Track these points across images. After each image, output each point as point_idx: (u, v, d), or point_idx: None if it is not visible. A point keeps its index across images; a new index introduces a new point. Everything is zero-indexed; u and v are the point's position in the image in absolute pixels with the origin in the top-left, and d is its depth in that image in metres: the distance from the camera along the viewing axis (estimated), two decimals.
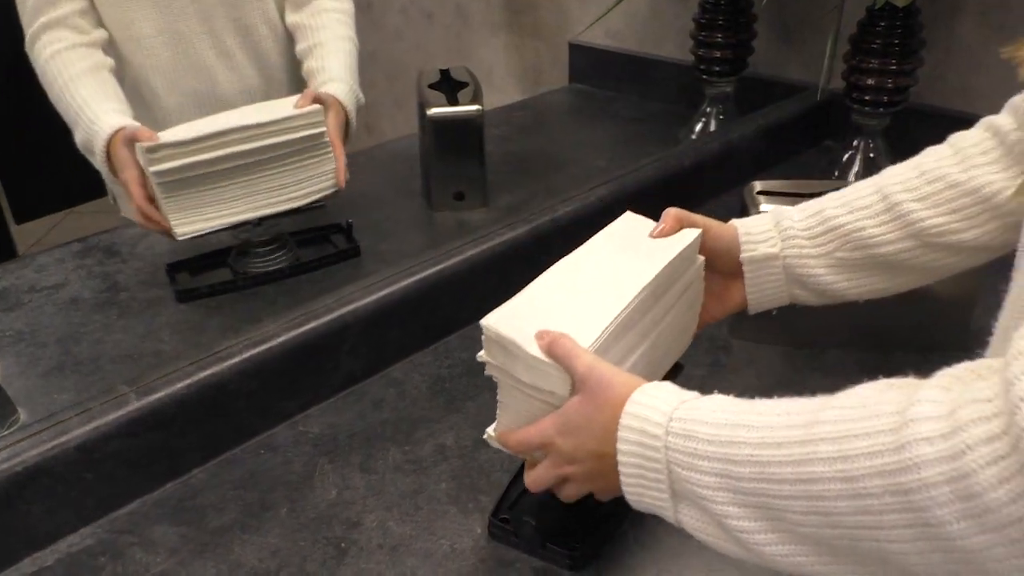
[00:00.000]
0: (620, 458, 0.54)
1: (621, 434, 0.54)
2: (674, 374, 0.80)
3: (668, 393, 0.54)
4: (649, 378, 0.58)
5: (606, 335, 0.62)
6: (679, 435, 0.51)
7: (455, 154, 1.19)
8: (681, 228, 0.73)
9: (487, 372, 0.65)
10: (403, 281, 0.95)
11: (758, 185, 0.95)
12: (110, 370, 0.85)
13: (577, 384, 0.58)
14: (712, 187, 1.31)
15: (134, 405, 0.76)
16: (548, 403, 0.62)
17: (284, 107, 1.00)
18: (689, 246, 0.71)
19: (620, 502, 0.62)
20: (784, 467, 0.45)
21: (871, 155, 1.34)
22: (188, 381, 0.79)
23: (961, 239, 0.67)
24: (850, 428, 0.43)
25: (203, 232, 0.97)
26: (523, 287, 0.68)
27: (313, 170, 1.02)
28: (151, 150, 0.92)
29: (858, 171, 1.35)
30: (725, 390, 0.90)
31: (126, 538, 0.74)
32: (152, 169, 0.92)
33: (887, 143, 1.33)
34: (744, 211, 0.94)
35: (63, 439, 0.73)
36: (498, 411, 0.66)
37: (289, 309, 0.89)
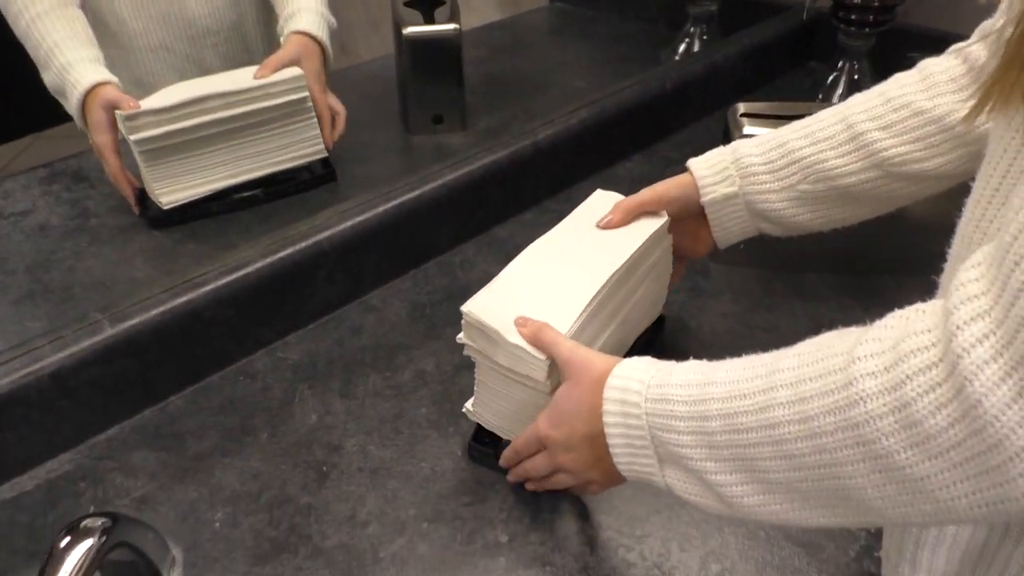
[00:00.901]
0: (607, 430, 0.55)
1: (606, 407, 0.55)
2: (657, 327, 0.81)
3: (646, 364, 0.56)
4: (619, 351, 0.59)
5: (581, 320, 0.65)
6: (656, 400, 0.52)
7: (432, 76, 1.16)
8: (631, 221, 0.74)
9: (466, 353, 0.68)
10: (380, 207, 0.93)
11: (742, 107, 0.93)
12: (82, 298, 0.84)
13: (561, 370, 0.61)
14: (695, 110, 1.29)
15: (108, 332, 0.75)
16: (525, 385, 0.65)
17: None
18: (659, 230, 0.74)
19: None
20: (749, 416, 0.46)
21: (855, 77, 1.32)
22: (162, 308, 0.78)
23: (923, 168, 0.66)
24: (805, 372, 0.44)
25: (188, 200, 0.96)
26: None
27: (297, 135, 1.01)
28: (131, 118, 0.89)
29: (842, 93, 1.33)
30: (703, 314, 0.91)
31: (105, 463, 0.74)
32: (133, 137, 0.90)
33: (872, 65, 1.31)
34: (727, 134, 0.93)
35: (36, 367, 0.72)
36: (476, 388, 0.70)
37: (264, 235, 0.88)
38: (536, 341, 0.62)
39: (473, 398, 0.71)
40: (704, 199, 0.73)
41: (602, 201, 0.76)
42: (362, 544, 0.66)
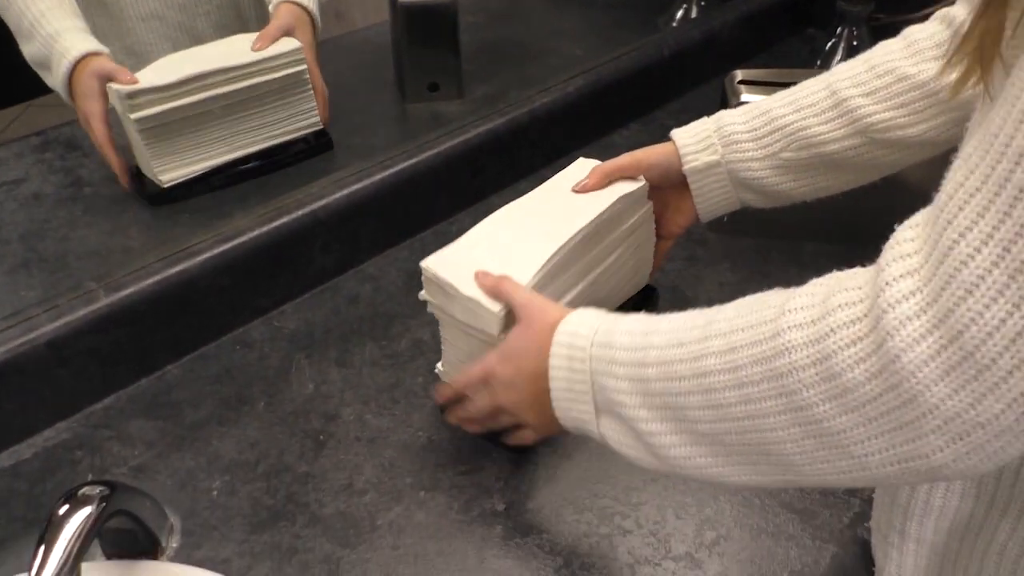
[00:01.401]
0: (552, 372, 0.55)
1: (553, 349, 0.55)
2: (646, 298, 0.81)
3: (598, 313, 0.56)
4: None
5: (541, 274, 0.65)
6: (601, 345, 0.52)
7: (428, 43, 1.15)
8: (608, 184, 0.73)
9: (429, 310, 0.69)
10: (376, 175, 0.93)
11: (739, 74, 0.92)
12: (77, 267, 0.84)
13: (517, 314, 0.61)
14: (693, 77, 1.28)
15: (103, 302, 0.75)
16: (483, 340, 0.66)
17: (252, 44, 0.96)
18: (634, 192, 0.73)
19: None
20: (684, 364, 0.47)
21: (854, 43, 1.31)
22: (157, 277, 0.78)
23: (907, 134, 0.66)
24: (738, 323, 0.45)
25: (188, 177, 0.95)
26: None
27: (294, 108, 1.00)
28: (131, 96, 0.88)
29: (840, 60, 1.31)
30: (701, 284, 0.91)
31: (103, 432, 0.74)
32: (134, 116, 0.89)
33: (871, 31, 1.30)
34: (724, 101, 0.92)
35: (32, 335, 0.72)
36: (443, 347, 0.71)
37: (260, 205, 0.87)
38: (495, 291, 0.62)
39: (442, 358, 0.72)
40: (686, 167, 0.72)
41: (582, 168, 0.76)
42: (359, 512, 0.67)
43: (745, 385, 0.43)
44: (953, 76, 0.42)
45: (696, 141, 0.72)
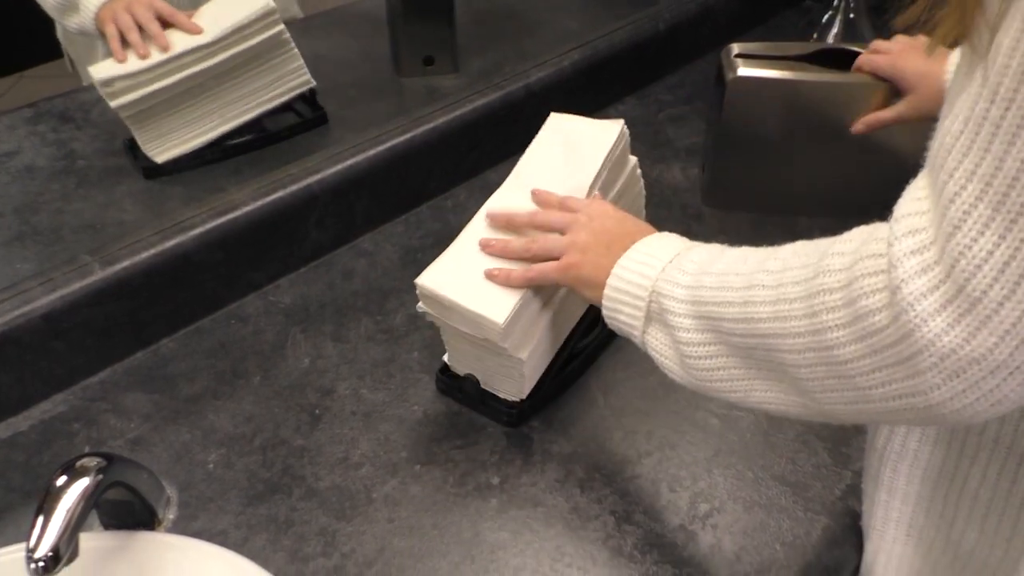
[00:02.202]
0: (615, 271, 0.58)
1: (642, 242, 0.59)
2: None
3: (683, 240, 0.60)
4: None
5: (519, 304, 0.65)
6: (673, 266, 0.56)
7: (423, 16, 1.13)
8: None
9: (428, 319, 0.69)
10: (371, 150, 0.92)
11: (735, 48, 0.92)
12: (72, 240, 0.83)
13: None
14: (688, 51, 1.28)
15: (98, 275, 0.75)
16: (487, 348, 0.67)
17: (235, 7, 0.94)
18: (613, 147, 0.72)
19: (558, 368, 0.71)
20: (738, 277, 0.50)
21: (851, 16, 1.30)
22: (152, 251, 0.78)
23: None
24: (792, 261, 0.48)
25: (183, 154, 0.94)
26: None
27: (281, 69, 0.98)
28: (107, 83, 0.87)
29: (837, 32, 1.31)
30: None
31: (99, 405, 0.74)
32: (114, 103, 0.88)
33: (867, 2, 1.29)
34: (720, 75, 0.92)
35: (27, 308, 0.72)
36: (446, 347, 0.73)
37: (254, 179, 0.87)
38: (524, 279, 0.65)
39: (447, 353, 0.74)
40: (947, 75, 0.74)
41: (558, 125, 0.75)
42: (355, 485, 0.67)
43: (781, 301, 0.46)
44: (934, 32, 0.42)
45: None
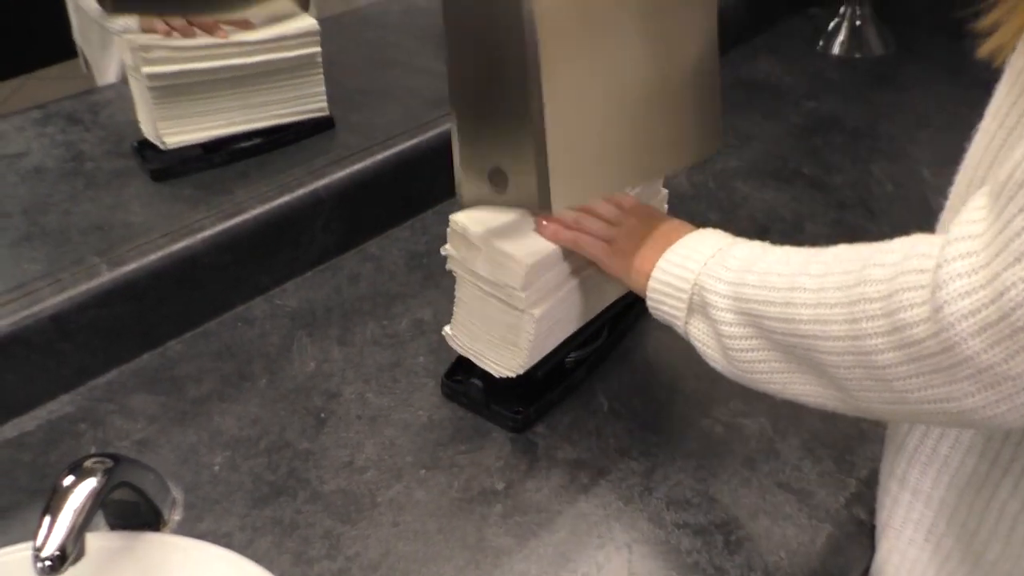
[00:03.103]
0: (660, 264, 0.61)
1: (682, 242, 0.62)
2: None
3: (726, 235, 0.63)
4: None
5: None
6: (715, 260, 0.59)
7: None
8: None
9: (448, 266, 0.69)
10: (378, 155, 0.93)
11: None
12: (80, 241, 0.84)
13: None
14: None
15: (106, 276, 0.76)
16: (501, 300, 0.66)
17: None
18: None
19: (563, 374, 0.72)
20: (781, 278, 0.52)
21: (857, 23, 1.31)
22: (160, 253, 0.78)
23: None
24: (835, 266, 0.49)
25: (191, 143, 0.95)
26: None
27: (303, 89, 1.00)
28: (145, 48, 0.88)
29: (843, 40, 1.32)
30: None
31: (105, 406, 0.75)
32: (146, 70, 0.88)
33: (875, 10, 1.30)
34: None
35: (36, 308, 0.72)
36: (455, 308, 0.71)
37: (262, 182, 0.87)
38: (572, 240, 0.67)
39: (452, 320, 0.72)
40: None
41: None
42: (360, 489, 0.67)
43: (822, 305, 0.48)
44: (992, 38, 0.44)
45: None
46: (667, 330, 0.63)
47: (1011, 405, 0.40)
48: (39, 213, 0.88)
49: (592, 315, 0.75)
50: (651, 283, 0.62)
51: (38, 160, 0.96)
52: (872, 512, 0.65)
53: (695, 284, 0.59)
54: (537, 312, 0.66)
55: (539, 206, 0.60)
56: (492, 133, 0.59)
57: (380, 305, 0.86)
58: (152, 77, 0.89)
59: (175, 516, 0.65)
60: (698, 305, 0.59)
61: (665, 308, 0.62)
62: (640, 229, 0.66)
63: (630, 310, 0.80)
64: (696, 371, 0.74)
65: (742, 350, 0.55)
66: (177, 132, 0.94)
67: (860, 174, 1.06)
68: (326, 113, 1.03)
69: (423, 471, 0.69)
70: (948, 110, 1.16)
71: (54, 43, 1.11)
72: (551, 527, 0.65)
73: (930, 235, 0.46)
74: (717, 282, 0.57)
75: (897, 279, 0.43)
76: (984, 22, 0.46)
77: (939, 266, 0.41)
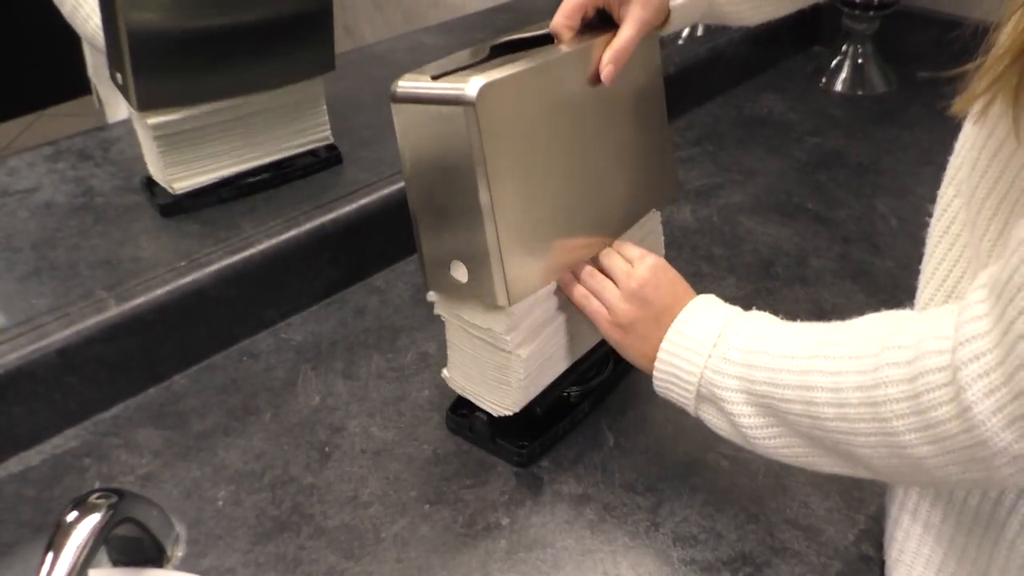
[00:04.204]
0: (660, 355, 0.61)
1: (682, 325, 0.61)
2: None
3: (723, 309, 0.61)
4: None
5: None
6: (720, 347, 0.58)
7: None
8: (582, 21, 0.65)
9: (435, 311, 0.69)
10: (385, 189, 0.94)
11: (413, 76, 0.65)
12: (88, 276, 0.84)
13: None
14: (698, 94, 1.29)
15: (114, 311, 0.76)
16: (489, 342, 0.66)
17: None
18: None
19: (568, 408, 0.73)
20: (791, 375, 0.52)
21: (859, 61, 1.32)
22: (167, 287, 0.79)
23: None
24: (847, 351, 0.50)
25: (201, 185, 0.96)
26: None
27: (307, 121, 1.01)
28: None
29: (846, 77, 1.33)
30: None
31: (110, 440, 0.75)
32: (151, 121, 0.90)
33: (877, 48, 1.31)
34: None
35: (43, 343, 0.72)
36: (448, 351, 0.71)
37: (269, 217, 0.88)
38: (577, 298, 0.67)
39: (448, 363, 0.72)
40: (674, 1, 0.67)
41: None
42: (364, 525, 0.67)
43: (844, 405, 0.49)
44: (971, 102, 0.45)
45: None
46: None
47: None
48: (48, 248, 0.88)
49: (586, 349, 0.75)
50: (656, 372, 0.62)
51: (48, 195, 0.97)
52: (880, 547, 0.64)
53: (701, 378, 0.58)
54: (524, 353, 0.66)
55: (496, 303, 0.62)
56: (450, 233, 0.62)
57: (385, 339, 0.86)
58: (157, 127, 0.90)
59: (178, 552, 0.64)
60: (707, 396, 0.59)
61: (673, 396, 0.62)
62: (639, 307, 0.64)
63: None
64: None
65: (764, 437, 0.56)
66: (185, 176, 0.95)
67: (864, 209, 1.07)
68: (330, 142, 1.03)
69: (427, 506, 0.68)
70: (952, 148, 1.17)
71: (69, 80, 1.12)
72: (556, 563, 0.64)
73: (938, 319, 0.46)
74: (724, 377, 0.57)
75: (917, 381, 0.45)
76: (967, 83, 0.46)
77: (957, 369, 0.43)
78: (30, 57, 1.00)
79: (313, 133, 1.02)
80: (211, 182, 0.97)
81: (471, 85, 0.56)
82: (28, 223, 0.92)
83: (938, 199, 0.55)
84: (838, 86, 1.34)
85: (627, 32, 0.64)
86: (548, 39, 0.65)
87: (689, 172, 1.15)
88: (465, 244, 0.62)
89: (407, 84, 0.59)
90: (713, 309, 0.61)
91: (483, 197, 0.58)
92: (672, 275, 0.66)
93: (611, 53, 0.64)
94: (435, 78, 0.58)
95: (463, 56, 0.62)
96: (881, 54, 1.32)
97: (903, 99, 1.33)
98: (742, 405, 0.56)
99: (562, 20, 0.64)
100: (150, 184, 0.97)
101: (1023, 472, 0.43)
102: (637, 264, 0.66)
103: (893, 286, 0.92)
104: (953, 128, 0.54)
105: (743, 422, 0.56)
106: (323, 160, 1.06)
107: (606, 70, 0.64)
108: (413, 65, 0.60)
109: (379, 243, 0.95)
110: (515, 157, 0.60)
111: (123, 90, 0.87)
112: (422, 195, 0.62)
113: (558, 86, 0.63)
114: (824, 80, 1.35)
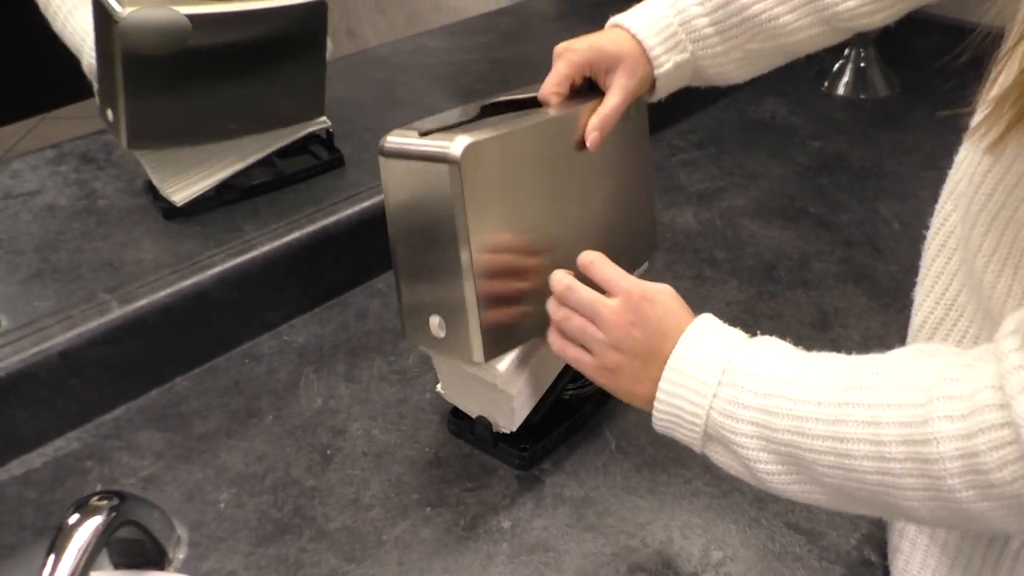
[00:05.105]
0: (659, 396, 0.55)
1: (679, 363, 0.54)
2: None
3: (724, 336, 0.54)
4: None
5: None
6: (728, 385, 0.52)
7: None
8: (572, 91, 0.66)
9: (422, 348, 0.70)
10: None
11: (401, 132, 0.69)
12: (90, 278, 0.84)
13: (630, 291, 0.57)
14: (700, 98, 1.29)
15: (116, 313, 0.76)
16: (478, 375, 0.67)
17: None
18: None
19: (569, 411, 0.73)
20: (819, 424, 0.48)
21: (861, 64, 1.32)
22: (170, 290, 0.79)
23: (869, 23, 0.67)
24: (883, 397, 0.46)
25: (200, 193, 0.96)
26: None
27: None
28: None
29: (848, 81, 1.33)
30: (708, 303, 0.91)
31: (112, 442, 0.75)
32: (137, 152, 0.90)
33: (879, 52, 1.31)
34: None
35: (45, 345, 0.72)
36: (438, 374, 0.72)
37: (272, 220, 0.88)
38: (558, 352, 0.62)
39: (440, 382, 0.73)
40: (658, 71, 0.66)
41: None
42: (365, 527, 0.67)
43: (887, 459, 0.45)
44: (988, 132, 0.44)
45: (663, 40, 0.66)
46: None
47: None
48: (51, 250, 0.88)
49: None
50: (656, 413, 0.56)
51: (51, 198, 0.98)
52: (882, 552, 0.64)
53: (708, 418, 0.53)
54: (514, 390, 0.67)
55: (472, 360, 0.62)
56: (429, 288, 0.63)
57: (387, 341, 0.86)
58: (142, 155, 0.90)
59: (180, 554, 0.64)
60: (716, 437, 0.53)
61: (677, 437, 0.56)
62: (626, 350, 0.56)
63: None
64: None
65: (783, 483, 0.51)
66: (182, 188, 0.95)
67: (867, 213, 1.07)
68: (327, 125, 1.02)
69: (429, 509, 0.68)
70: (955, 151, 1.16)
71: (72, 83, 1.12)
72: (558, 566, 0.64)
73: (988, 369, 0.43)
74: (738, 423, 0.51)
75: (977, 439, 0.42)
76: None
77: (1020, 426, 0.40)
78: (33, 60, 1.00)
79: (308, 118, 1.01)
80: (209, 187, 0.97)
81: (456, 144, 0.57)
82: (31, 226, 0.92)
83: (936, 212, 0.54)
84: (841, 90, 1.34)
85: (612, 100, 0.65)
86: (538, 101, 0.66)
87: (691, 175, 1.15)
88: (443, 299, 0.62)
89: (395, 139, 0.61)
90: (712, 338, 0.54)
91: (463, 255, 0.59)
92: (659, 305, 0.56)
93: (596, 120, 0.65)
94: (423, 135, 0.59)
95: (453, 114, 0.63)
96: (884, 58, 1.32)
97: (906, 103, 1.33)
98: (758, 452, 0.51)
99: (550, 88, 0.65)
100: (153, 187, 0.98)
101: None
102: (619, 298, 0.57)
103: (896, 290, 0.92)
104: (956, 132, 0.53)
105: (760, 468, 0.51)
106: (325, 163, 1.06)
107: (591, 137, 0.65)
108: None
109: (381, 246, 0.94)
110: (498, 216, 0.61)
111: (112, 127, 0.88)
112: (404, 248, 0.64)
113: (544, 149, 0.64)
114: (827, 84, 1.35)
